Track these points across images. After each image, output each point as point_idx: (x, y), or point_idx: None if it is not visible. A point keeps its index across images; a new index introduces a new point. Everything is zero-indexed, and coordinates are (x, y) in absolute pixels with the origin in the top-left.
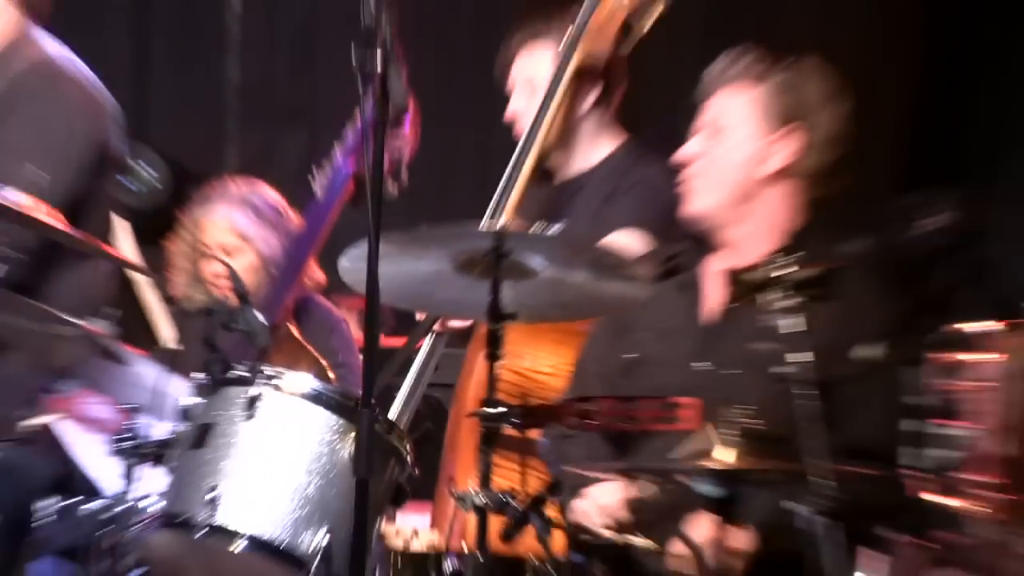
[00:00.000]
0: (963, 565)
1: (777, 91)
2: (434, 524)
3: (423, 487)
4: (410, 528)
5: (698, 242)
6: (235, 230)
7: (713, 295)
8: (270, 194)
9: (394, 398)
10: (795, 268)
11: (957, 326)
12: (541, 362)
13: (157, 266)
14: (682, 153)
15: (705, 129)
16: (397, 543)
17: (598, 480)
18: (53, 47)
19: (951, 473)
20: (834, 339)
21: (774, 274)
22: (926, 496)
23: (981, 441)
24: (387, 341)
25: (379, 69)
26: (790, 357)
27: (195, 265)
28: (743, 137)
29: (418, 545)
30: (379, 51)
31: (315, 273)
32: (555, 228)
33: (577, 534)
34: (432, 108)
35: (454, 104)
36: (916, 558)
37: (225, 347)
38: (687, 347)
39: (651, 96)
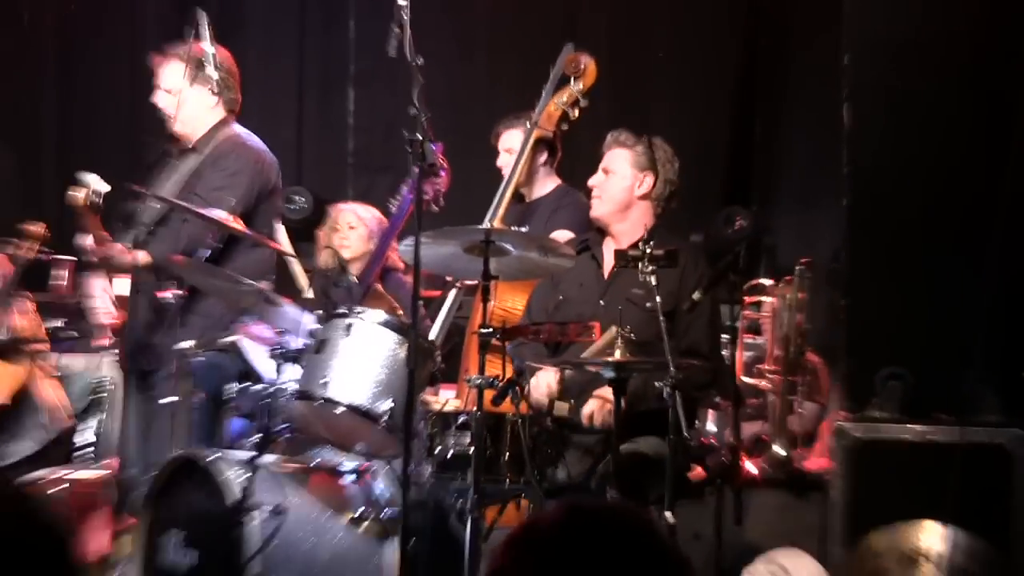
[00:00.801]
0: (762, 419)
1: (639, 152)
2: (458, 396)
3: (453, 375)
4: (445, 399)
5: (599, 232)
6: (355, 214)
7: (607, 263)
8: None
9: (434, 325)
10: (653, 249)
11: (754, 281)
12: (517, 303)
13: (301, 252)
14: (590, 182)
15: (601, 170)
16: (435, 407)
17: (541, 369)
18: (240, 128)
19: (753, 365)
20: (677, 288)
21: (643, 252)
22: (740, 378)
23: (767, 347)
24: (433, 293)
25: (419, 144)
26: (654, 299)
27: (331, 237)
28: (621, 176)
29: (447, 408)
30: (418, 133)
31: (395, 257)
32: (523, 229)
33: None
34: (459, 163)
35: (473, 160)
36: (737, 415)
37: (335, 296)
38: (594, 292)
39: (575, 156)
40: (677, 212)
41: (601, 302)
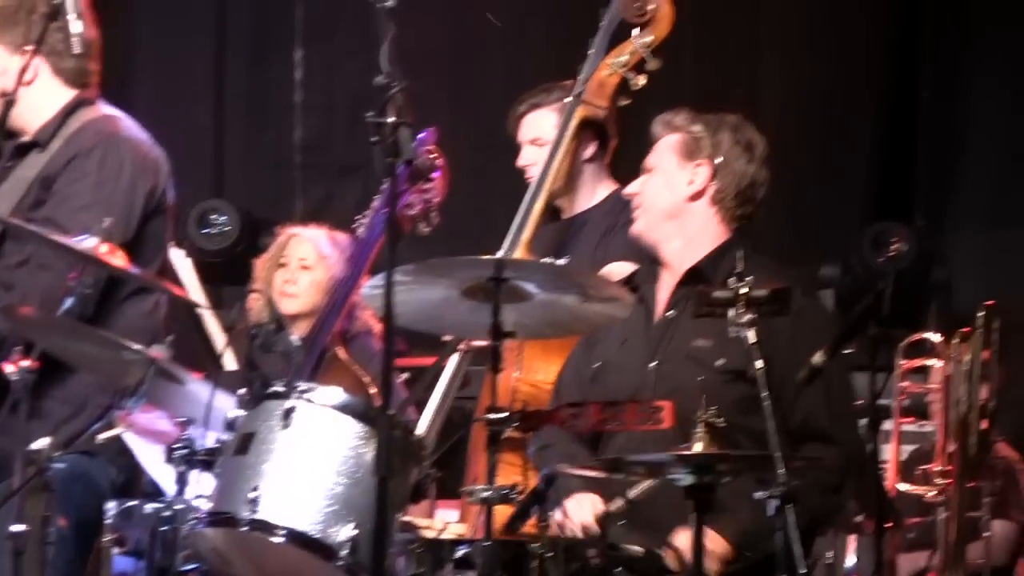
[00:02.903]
0: (928, 546)
1: (692, 134)
2: (463, 519)
3: (456, 486)
4: (441, 522)
5: (653, 262)
6: (317, 248)
7: (661, 305)
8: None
9: (425, 410)
10: (751, 288)
11: (915, 336)
12: (552, 375)
13: (226, 302)
14: (628, 189)
15: (643, 169)
16: (428, 534)
17: (574, 492)
18: (109, 109)
19: (916, 465)
20: (787, 348)
21: (736, 292)
22: (894, 485)
23: (936, 437)
24: (419, 360)
25: (391, 132)
26: (730, 352)
27: (271, 275)
28: (662, 171)
29: (443, 536)
30: (390, 120)
31: (364, 312)
32: (562, 260)
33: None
34: (468, 161)
35: (484, 156)
36: (888, 541)
37: (267, 366)
38: (642, 351)
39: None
40: (798, 230)
41: (650, 365)
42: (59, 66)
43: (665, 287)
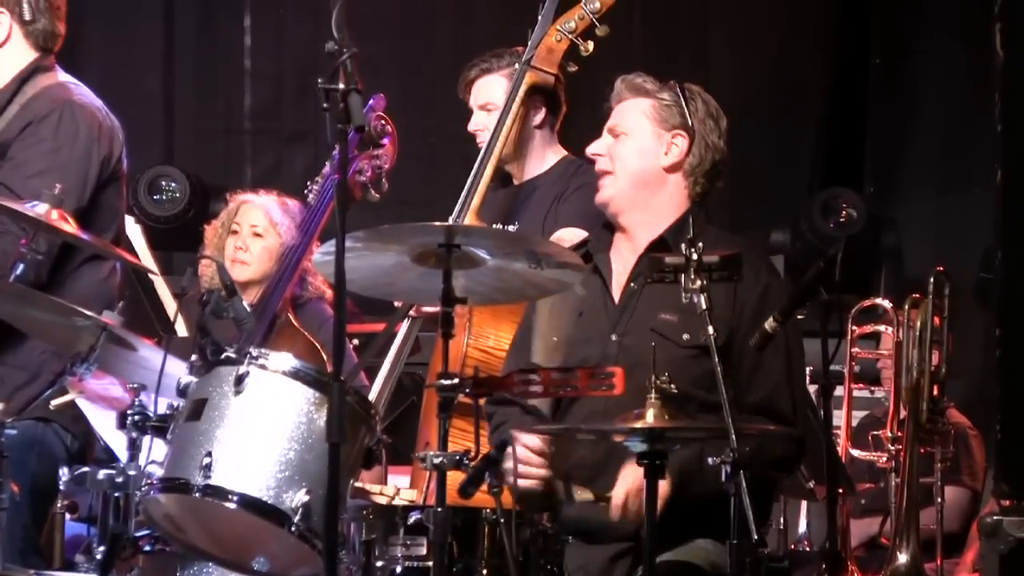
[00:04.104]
0: (880, 512)
1: (665, 102)
2: (414, 484)
3: (408, 451)
4: (393, 487)
5: (605, 230)
6: (268, 215)
7: (618, 277)
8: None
9: (376, 376)
10: (704, 254)
11: (866, 302)
12: (503, 341)
13: (176, 268)
14: (591, 149)
15: (607, 132)
16: (380, 500)
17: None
18: (65, 76)
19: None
20: (735, 313)
21: (687, 259)
22: (845, 451)
23: (888, 403)
24: (370, 326)
25: (339, 101)
26: (695, 327)
27: (222, 241)
28: (638, 136)
29: (395, 502)
30: (341, 86)
31: (316, 276)
32: (512, 227)
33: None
34: (418, 128)
35: (434, 123)
36: (840, 508)
37: (218, 333)
38: (601, 324)
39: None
40: (749, 197)
41: (613, 337)
42: (29, 28)
43: (624, 258)
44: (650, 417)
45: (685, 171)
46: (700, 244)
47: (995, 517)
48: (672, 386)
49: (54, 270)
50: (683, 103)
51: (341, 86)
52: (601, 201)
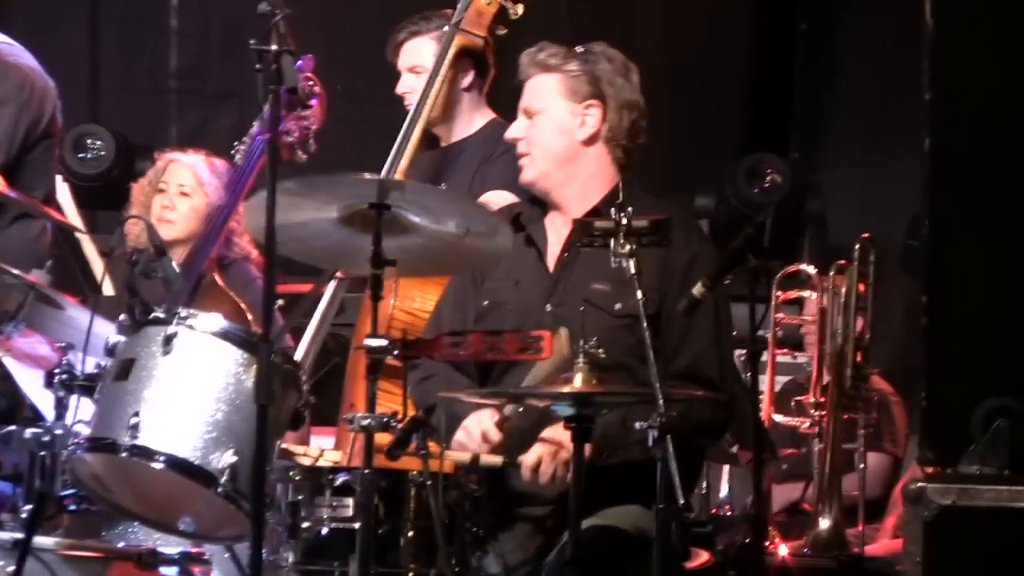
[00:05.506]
0: (802, 477)
1: (572, 74)
2: (338, 446)
3: (331, 413)
4: (317, 449)
5: (536, 202)
6: (196, 174)
7: (552, 247)
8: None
9: (302, 337)
10: (630, 219)
11: (791, 268)
12: (428, 303)
13: (101, 227)
14: (509, 134)
15: (521, 113)
16: (304, 461)
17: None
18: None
19: (790, 397)
20: (663, 280)
21: (617, 223)
22: (768, 416)
23: (811, 369)
24: (296, 287)
25: (273, 60)
26: (628, 297)
27: (149, 200)
28: (551, 115)
29: (321, 463)
30: (274, 45)
31: (241, 237)
32: (440, 188)
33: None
34: (344, 89)
35: (361, 84)
36: (762, 472)
37: (146, 292)
38: (536, 292)
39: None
40: (674, 162)
41: (548, 306)
42: None
43: (559, 229)
44: (578, 381)
45: (605, 138)
46: (630, 209)
47: (919, 484)
48: (600, 351)
49: None
50: (590, 68)
51: (274, 47)
52: (526, 182)
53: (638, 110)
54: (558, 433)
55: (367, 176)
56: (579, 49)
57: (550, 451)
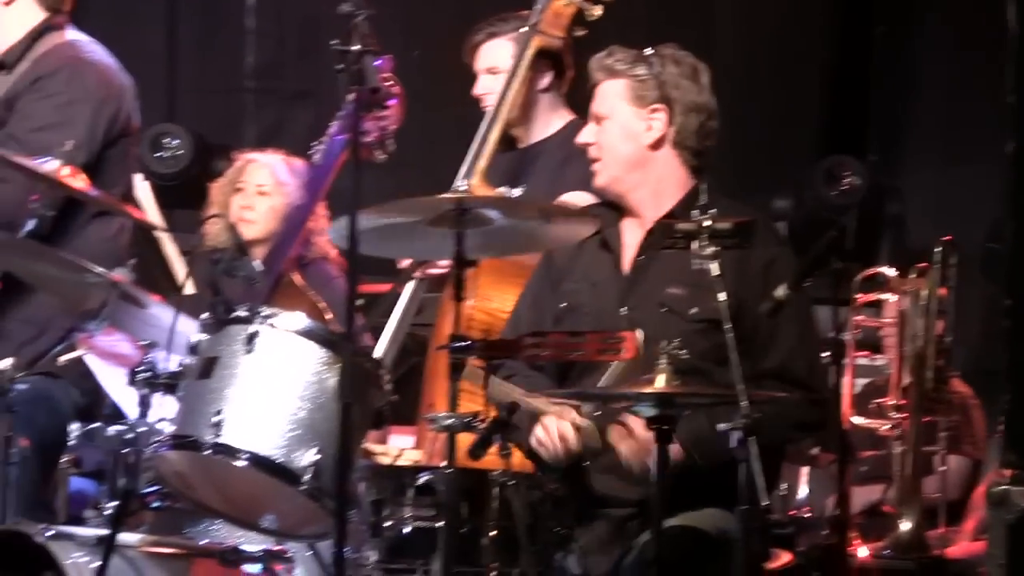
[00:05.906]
0: (881, 479)
1: (639, 78)
2: (418, 445)
3: (411, 413)
4: (397, 448)
5: (611, 206)
6: (274, 174)
7: (628, 251)
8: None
9: (381, 337)
10: (713, 221)
11: (870, 271)
12: (507, 303)
13: (178, 225)
14: (580, 139)
15: (592, 119)
16: (385, 461)
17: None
18: (76, 34)
19: (869, 399)
20: (742, 284)
21: (699, 225)
22: (848, 418)
23: (891, 371)
24: (374, 287)
25: (355, 60)
26: (704, 301)
27: (228, 199)
28: (618, 120)
29: (402, 462)
30: (356, 45)
31: (322, 237)
32: (518, 191)
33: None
34: (419, 91)
35: (437, 87)
36: (846, 474)
37: (229, 291)
38: (613, 296)
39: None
40: (751, 164)
41: (622, 310)
42: None
43: (633, 233)
44: (661, 382)
45: (673, 142)
46: (713, 210)
47: (1002, 487)
48: (683, 352)
49: (61, 225)
50: (655, 72)
51: (355, 47)
52: (598, 187)
53: (707, 112)
54: (632, 421)
55: (446, 196)
56: (647, 52)
57: (623, 433)
